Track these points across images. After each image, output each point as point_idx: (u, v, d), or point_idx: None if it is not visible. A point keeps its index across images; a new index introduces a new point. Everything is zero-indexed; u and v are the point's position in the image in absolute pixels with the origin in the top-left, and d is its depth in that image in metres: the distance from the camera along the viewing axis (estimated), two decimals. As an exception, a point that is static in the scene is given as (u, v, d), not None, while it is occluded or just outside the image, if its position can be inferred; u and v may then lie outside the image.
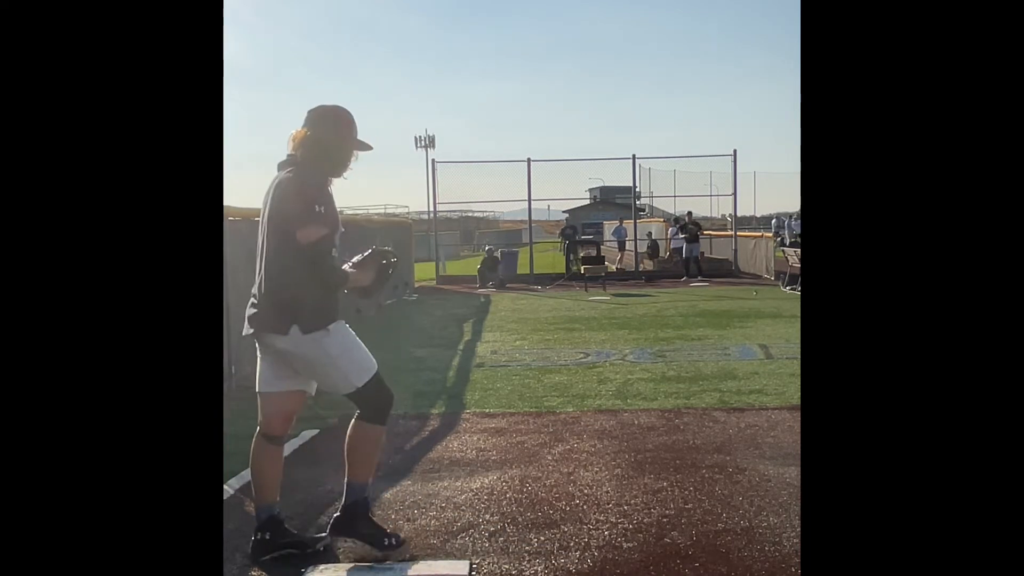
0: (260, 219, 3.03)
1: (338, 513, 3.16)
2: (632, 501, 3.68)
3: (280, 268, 2.92)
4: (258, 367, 3.11)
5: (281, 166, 3.03)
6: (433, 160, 20.11)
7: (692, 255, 18.61)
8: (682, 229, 19.05)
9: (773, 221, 34.53)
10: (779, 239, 22.71)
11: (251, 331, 3.02)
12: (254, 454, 3.15)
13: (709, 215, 30.64)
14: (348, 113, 3.07)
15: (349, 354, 3.02)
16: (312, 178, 2.94)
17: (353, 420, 3.14)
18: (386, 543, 3.07)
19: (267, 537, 3.11)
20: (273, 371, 3.07)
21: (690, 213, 19.74)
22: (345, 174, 3.07)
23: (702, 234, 19.35)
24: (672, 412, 5.44)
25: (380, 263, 3.16)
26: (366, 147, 3.08)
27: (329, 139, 2.98)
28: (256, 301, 3.00)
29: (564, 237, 21.09)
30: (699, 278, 17.75)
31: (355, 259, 3.14)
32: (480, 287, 17.16)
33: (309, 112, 3.03)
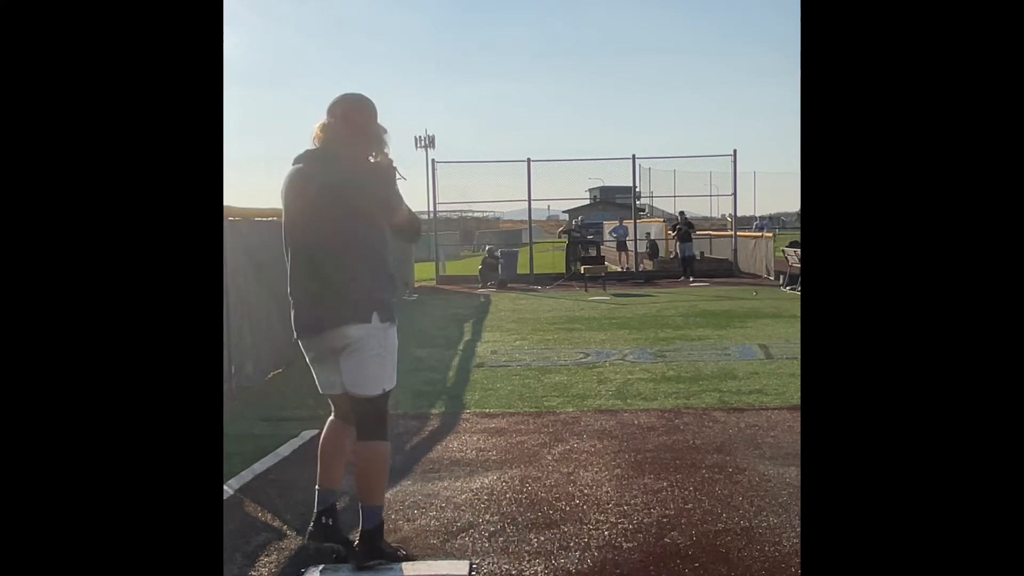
0: (292, 215, 2.98)
1: (357, 541, 3.01)
2: (632, 501, 3.68)
3: (360, 257, 2.90)
4: (319, 373, 3.05)
5: (311, 157, 2.99)
6: (433, 160, 20.11)
7: (685, 254, 18.65)
8: (673, 228, 19.11)
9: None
10: None
11: (316, 331, 2.95)
12: (327, 437, 3.12)
13: (709, 215, 30.65)
14: (368, 99, 3.06)
15: (390, 358, 2.98)
16: (372, 162, 3.00)
17: (355, 442, 3.01)
18: (402, 554, 3.04)
19: (330, 523, 3.09)
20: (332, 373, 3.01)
21: (682, 213, 19.77)
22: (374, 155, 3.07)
23: (694, 233, 19.35)
24: (672, 412, 5.44)
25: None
26: (384, 130, 3.07)
27: (363, 122, 2.99)
28: (319, 298, 2.92)
29: (569, 238, 20.97)
30: (692, 278, 17.75)
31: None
32: (480, 287, 17.17)
33: (334, 102, 3.00)
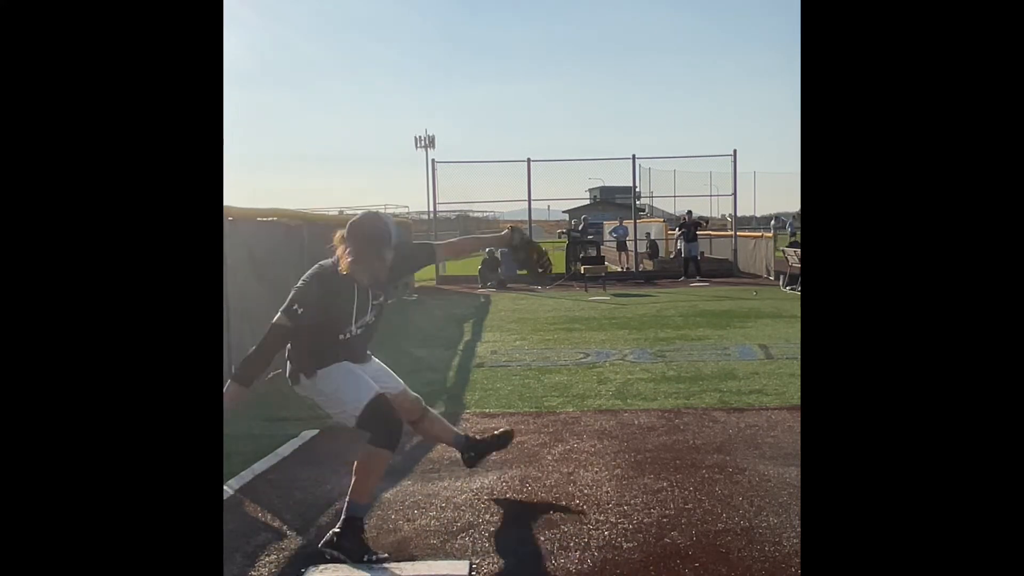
0: None
1: (336, 528, 3.13)
2: (632, 501, 3.68)
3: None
4: None
5: None
6: (433, 160, 20.10)
7: (691, 254, 18.62)
8: (680, 227, 19.08)
9: None
10: None
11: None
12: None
13: (709, 215, 30.61)
14: (383, 224, 3.25)
15: (343, 388, 3.24)
16: (314, 278, 3.18)
17: (363, 441, 3.24)
18: (364, 558, 3.03)
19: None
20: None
21: (690, 212, 19.74)
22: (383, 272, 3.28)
23: (701, 232, 19.32)
24: (672, 412, 5.44)
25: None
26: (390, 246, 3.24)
27: (357, 247, 3.17)
28: None
29: (569, 238, 20.85)
30: (698, 278, 17.74)
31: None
32: (480, 287, 17.17)
33: (350, 224, 3.24)
